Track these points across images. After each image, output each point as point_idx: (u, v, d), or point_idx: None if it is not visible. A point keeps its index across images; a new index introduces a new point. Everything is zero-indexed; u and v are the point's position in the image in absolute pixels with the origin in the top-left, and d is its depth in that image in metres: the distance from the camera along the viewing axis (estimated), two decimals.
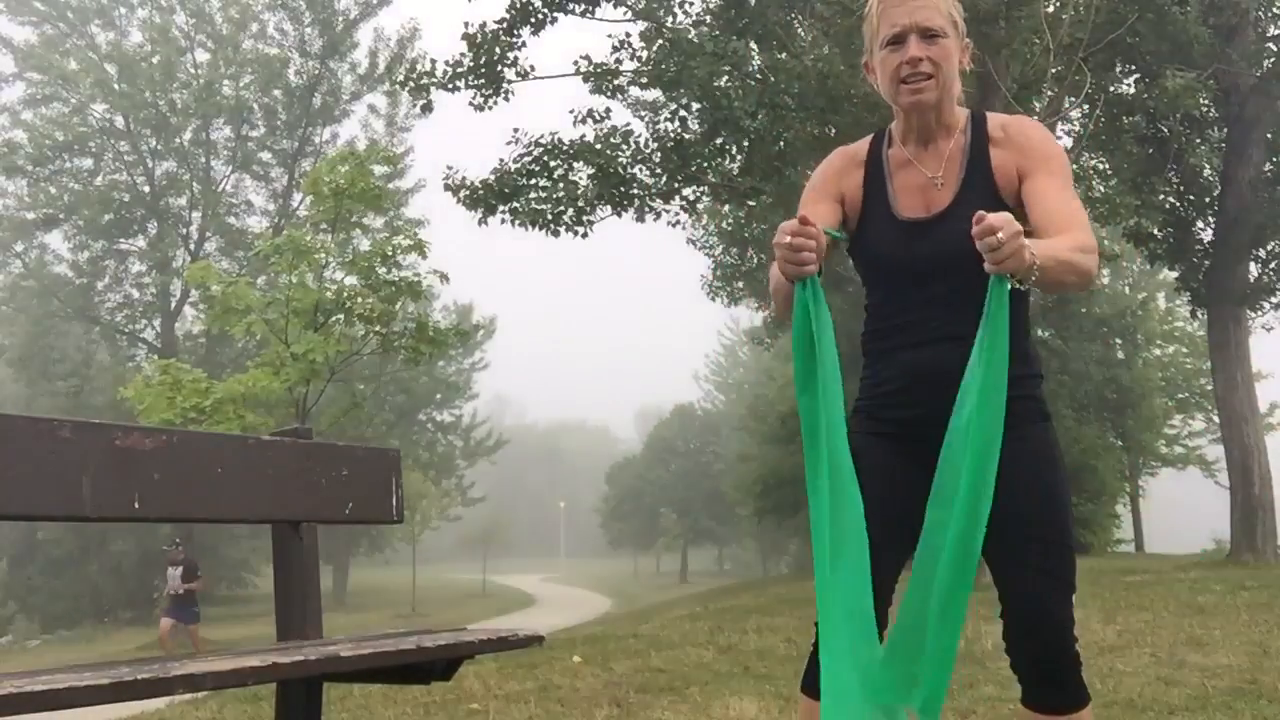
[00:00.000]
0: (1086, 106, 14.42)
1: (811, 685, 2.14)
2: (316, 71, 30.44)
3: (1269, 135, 15.68)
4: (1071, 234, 1.89)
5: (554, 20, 13.94)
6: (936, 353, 1.98)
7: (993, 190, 2.02)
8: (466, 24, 13.72)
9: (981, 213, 1.74)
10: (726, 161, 14.43)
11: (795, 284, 1.87)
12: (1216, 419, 18.47)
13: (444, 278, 14.77)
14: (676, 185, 14.69)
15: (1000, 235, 1.71)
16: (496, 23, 13.76)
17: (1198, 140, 16.20)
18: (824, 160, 2.22)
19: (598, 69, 14.85)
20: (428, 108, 14.58)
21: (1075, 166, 15.85)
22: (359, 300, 13.50)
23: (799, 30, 14.39)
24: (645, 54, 14.47)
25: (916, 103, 2.00)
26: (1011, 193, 2.02)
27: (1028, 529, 1.97)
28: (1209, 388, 23.95)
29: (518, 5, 13.68)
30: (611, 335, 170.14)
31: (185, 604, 13.80)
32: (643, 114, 17.62)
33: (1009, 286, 1.80)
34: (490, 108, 14.20)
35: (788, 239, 1.79)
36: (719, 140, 13.93)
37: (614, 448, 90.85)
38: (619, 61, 14.70)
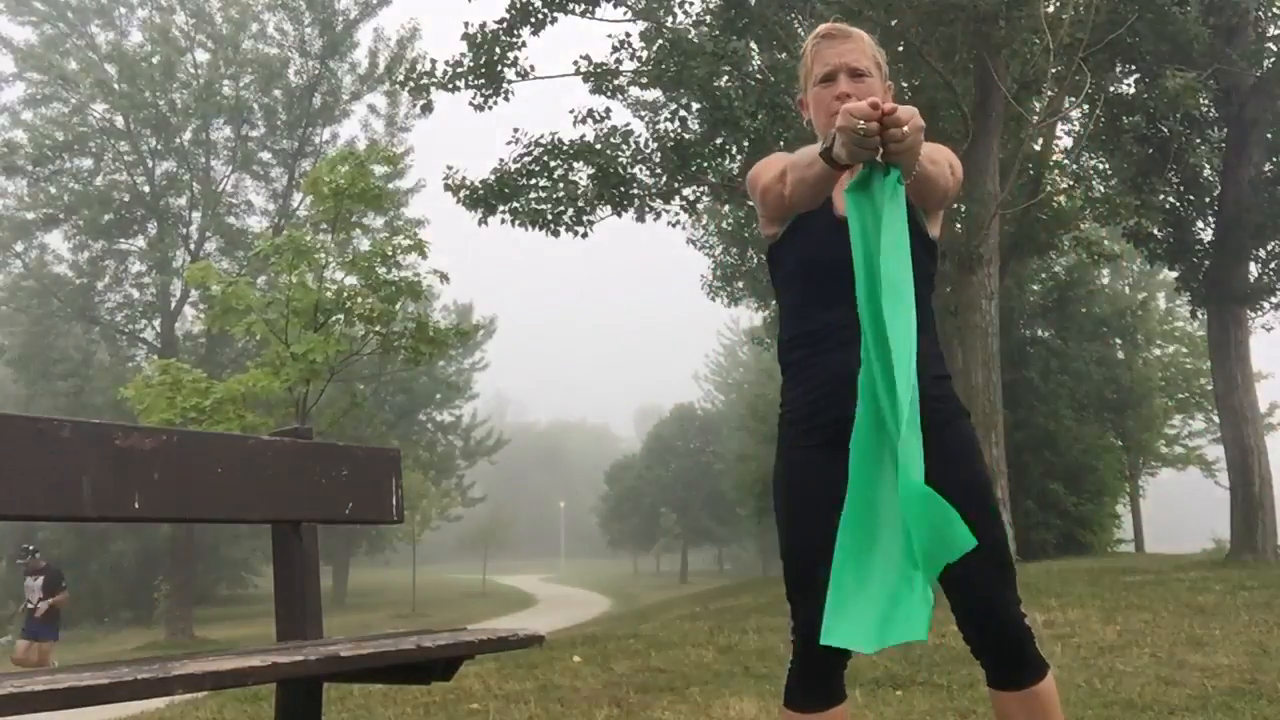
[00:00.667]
0: (1086, 106, 14.42)
1: (794, 699, 2.21)
2: (316, 71, 30.40)
3: (1269, 135, 15.67)
4: (942, 152, 2.13)
5: (554, 20, 13.94)
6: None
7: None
8: (466, 24, 13.72)
9: (892, 104, 1.83)
10: (726, 161, 14.43)
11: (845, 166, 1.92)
12: (1216, 419, 18.47)
13: (444, 278, 14.76)
14: (676, 185, 14.68)
15: (906, 129, 1.80)
16: (496, 23, 13.76)
17: (1198, 140, 16.19)
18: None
19: (598, 69, 14.85)
20: (428, 108, 14.58)
21: (1075, 166, 15.87)
22: (359, 300, 13.48)
23: (799, 30, 14.38)
24: (645, 54, 14.47)
25: None
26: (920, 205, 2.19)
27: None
28: (1209, 388, 23.91)
29: (518, 5, 13.68)
30: (611, 335, 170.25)
31: (47, 620, 12.42)
32: (643, 114, 17.62)
33: (903, 191, 1.89)
34: (490, 108, 14.20)
35: (862, 124, 1.80)
36: (719, 140, 13.93)
37: (614, 448, 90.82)
38: (619, 61, 14.70)
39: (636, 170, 14.20)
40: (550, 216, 13.93)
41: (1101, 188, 15.85)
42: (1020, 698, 2.12)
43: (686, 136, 14.31)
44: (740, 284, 21.25)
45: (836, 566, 1.88)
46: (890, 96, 2.22)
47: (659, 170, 14.29)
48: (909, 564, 1.85)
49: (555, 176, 13.91)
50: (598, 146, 13.98)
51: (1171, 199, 16.36)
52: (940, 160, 2.09)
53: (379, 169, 14.43)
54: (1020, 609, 2.14)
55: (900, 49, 12.82)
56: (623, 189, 14.02)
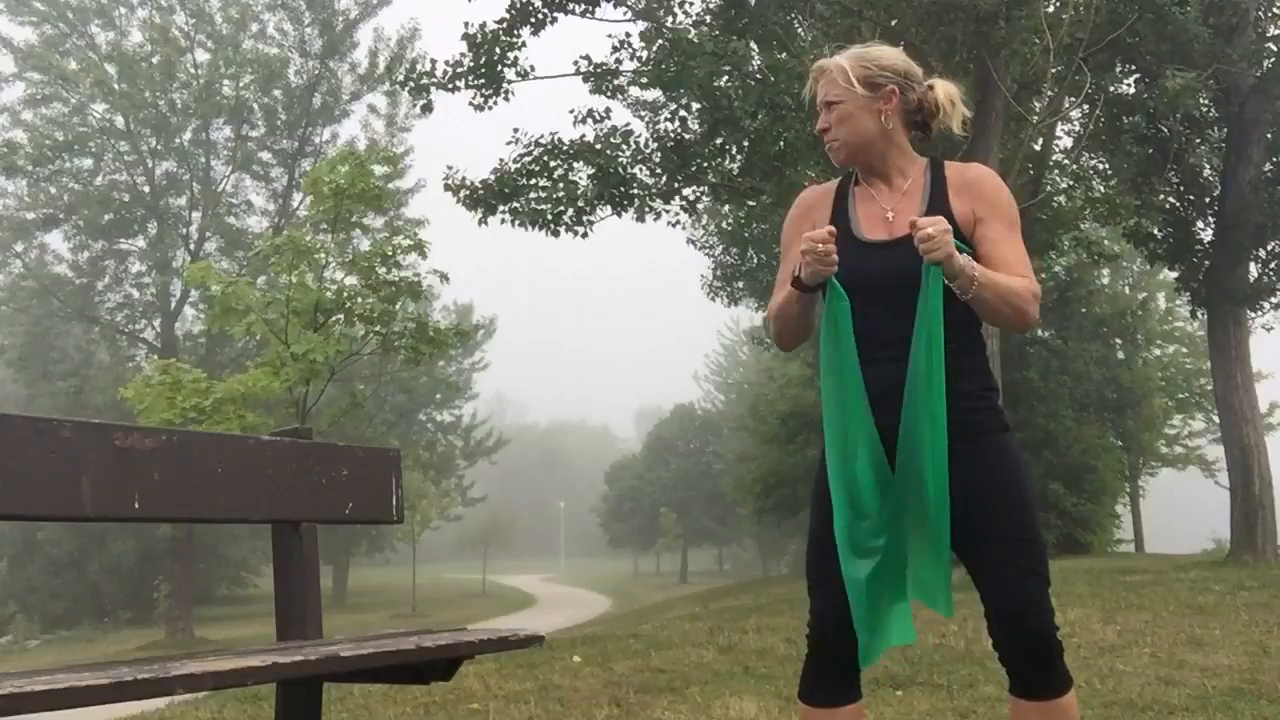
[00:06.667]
0: (1086, 106, 14.41)
1: (808, 694, 2.26)
2: (316, 71, 30.42)
3: (1269, 135, 15.65)
4: (1022, 279, 2.21)
5: (554, 20, 13.93)
6: (886, 369, 2.16)
7: (952, 226, 2.23)
8: (466, 24, 13.71)
9: (914, 218, 2.06)
10: (726, 161, 14.41)
11: (816, 287, 2.18)
12: (1216, 419, 18.45)
13: (444, 278, 14.75)
14: (676, 185, 14.67)
15: (930, 230, 2.03)
16: (496, 23, 13.75)
17: (1198, 140, 16.18)
18: (796, 200, 2.47)
19: (598, 69, 14.84)
20: (428, 108, 14.56)
21: (1075, 166, 15.86)
22: (359, 300, 13.46)
23: (799, 30, 14.38)
24: (645, 54, 14.46)
25: (835, 160, 2.36)
26: (966, 234, 2.24)
27: (996, 529, 2.15)
28: (1209, 388, 23.90)
29: (518, 5, 13.67)
30: (611, 335, 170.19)
31: None
32: (643, 114, 17.61)
33: (943, 283, 2.09)
34: (490, 108, 14.19)
35: (820, 246, 2.10)
36: (719, 140, 13.91)
37: (614, 448, 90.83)
38: (619, 61, 14.69)
39: (636, 170, 14.18)
40: (550, 216, 13.92)
41: (1101, 188, 15.83)
42: (1041, 709, 2.15)
43: (686, 136, 14.30)
44: (740, 284, 21.24)
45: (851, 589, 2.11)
46: (896, 102, 2.32)
47: (659, 170, 14.27)
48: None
49: (555, 176, 13.89)
50: (598, 146, 13.96)
51: (1171, 199, 16.35)
52: (1016, 289, 2.17)
53: (379, 169, 14.39)
54: (1053, 621, 2.17)
55: (900, 49, 12.79)
56: (623, 189, 14.00)
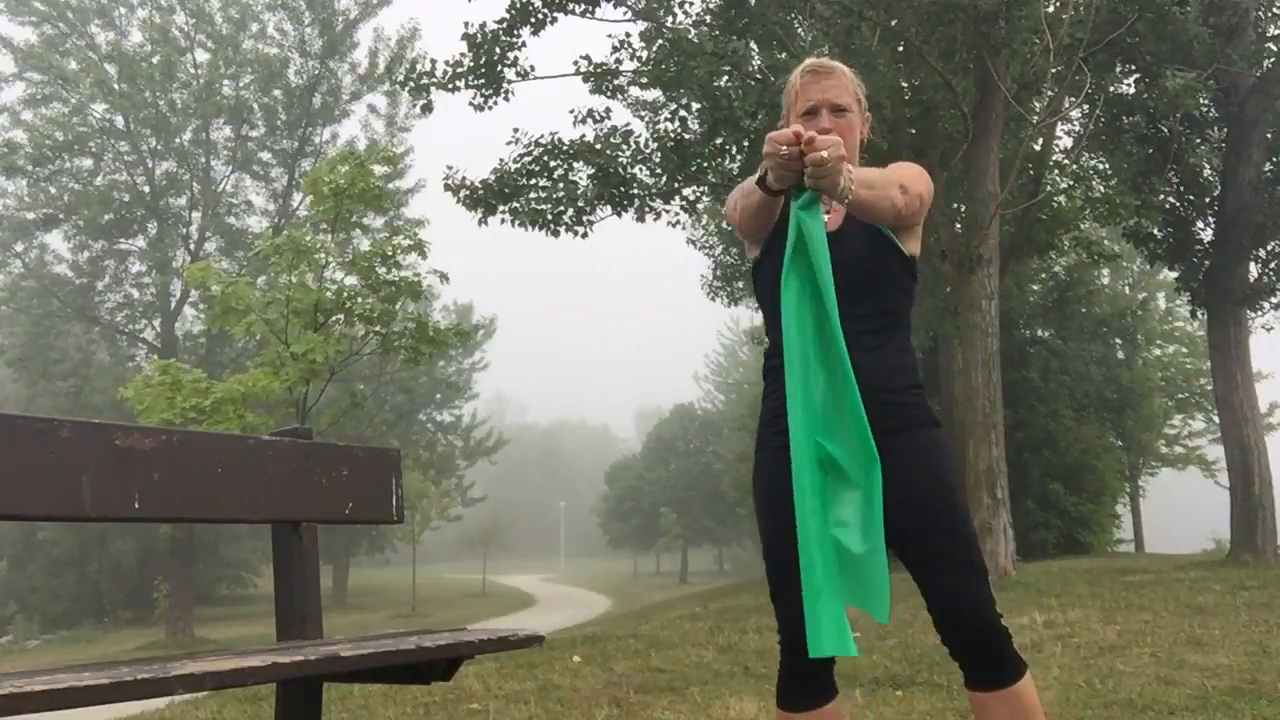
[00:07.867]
0: (1086, 106, 14.41)
1: (787, 701, 2.27)
2: (316, 71, 30.42)
3: (1269, 135, 15.65)
4: (891, 175, 2.19)
5: (554, 20, 13.93)
6: None
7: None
8: (466, 24, 13.72)
9: (812, 133, 1.97)
10: (726, 161, 14.42)
11: (781, 191, 2.09)
12: (1216, 419, 18.45)
13: (444, 278, 14.76)
14: (676, 185, 14.67)
15: (824, 154, 1.94)
16: (496, 23, 13.75)
17: (1198, 140, 16.18)
18: None
19: (598, 69, 14.85)
20: (428, 108, 14.57)
21: (1075, 166, 15.86)
22: (359, 300, 13.48)
23: (799, 30, 14.38)
24: (645, 54, 14.46)
25: None
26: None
27: (925, 521, 2.13)
28: (1209, 388, 23.92)
29: (518, 5, 13.67)
30: (611, 335, 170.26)
31: None
32: (643, 114, 17.60)
33: (820, 207, 2.05)
34: (490, 108, 14.20)
35: (784, 149, 1.98)
36: (719, 140, 13.92)
37: (614, 447, 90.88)
38: (619, 61, 14.70)
39: (636, 170, 14.19)
40: (550, 216, 13.93)
41: (1101, 188, 15.82)
42: (1001, 697, 2.13)
43: (686, 136, 14.30)
44: (740, 284, 21.23)
45: (804, 583, 1.94)
46: (867, 130, 2.38)
47: (659, 170, 14.28)
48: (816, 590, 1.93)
49: (555, 176, 13.90)
50: (598, 146, 13.97)
51: (1171, 199, 16.34)
52: (878, 183, 2.11)
53: (379, 169, 14.40)
54: (995, 608, 2.15)
55: (900, 49, 12.81)
56: (623, 189, 14.01)
